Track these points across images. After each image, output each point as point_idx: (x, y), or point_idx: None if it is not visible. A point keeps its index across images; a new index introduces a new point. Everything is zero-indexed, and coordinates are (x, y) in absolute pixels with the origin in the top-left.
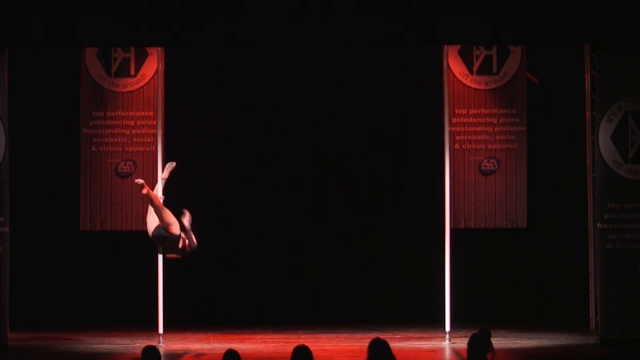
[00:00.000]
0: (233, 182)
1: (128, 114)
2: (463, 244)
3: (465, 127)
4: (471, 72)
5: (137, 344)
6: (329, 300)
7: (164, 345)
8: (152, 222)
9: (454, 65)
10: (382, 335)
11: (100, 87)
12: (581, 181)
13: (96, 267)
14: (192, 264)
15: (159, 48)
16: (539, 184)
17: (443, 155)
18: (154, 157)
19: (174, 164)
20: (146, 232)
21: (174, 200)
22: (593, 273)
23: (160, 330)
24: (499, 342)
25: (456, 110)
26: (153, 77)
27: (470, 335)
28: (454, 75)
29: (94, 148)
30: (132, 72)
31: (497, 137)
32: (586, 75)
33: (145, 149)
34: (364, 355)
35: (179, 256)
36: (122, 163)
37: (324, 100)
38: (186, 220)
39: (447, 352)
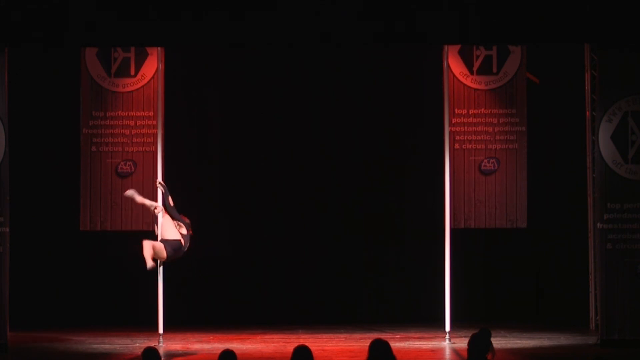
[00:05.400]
0: (233, 182)
1: (128, 114)
2: (463, 244)
3: (465, 127)
4: (471, 72)
5: (137, 344)
6: (329, 300)
7: (164, 345)
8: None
9: (454, 65)
10: (382, 335)
11: (100, 87)
12: (581, 181)
13: (96, 267)
14: (192, 264)
15: (159, 48)
16: (539, 184)
17: (443, 155)
18: (154, 157)
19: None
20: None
21: (174, 201)
22: (593, 273)
23: (160, 330)
24: (499, 342)
25: (456, 110)
26: (153, 77)
27: (470, 335)
28: (454, 75)
29: (94, 148)
30: (132, 72)
31: (497, 137)
32: (586, 75)
33: (145, 149)
34: (364, 355)
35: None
36: (122, 163)
37: (324, 101)
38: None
39: (447, 352)
